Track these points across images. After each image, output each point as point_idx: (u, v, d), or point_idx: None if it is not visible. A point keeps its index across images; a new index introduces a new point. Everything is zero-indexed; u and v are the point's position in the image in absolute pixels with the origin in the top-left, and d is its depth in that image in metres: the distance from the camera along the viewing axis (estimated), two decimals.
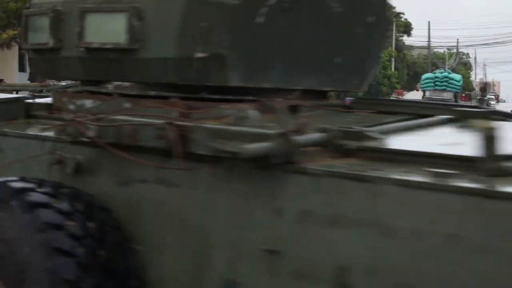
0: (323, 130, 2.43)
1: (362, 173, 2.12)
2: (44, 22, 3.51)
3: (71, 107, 3.52)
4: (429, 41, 77.53)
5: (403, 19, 65.95)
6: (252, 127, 2.54)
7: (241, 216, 2.43)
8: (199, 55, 3.06)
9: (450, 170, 2.01)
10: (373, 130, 2.45)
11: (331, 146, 2.39)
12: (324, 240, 2.17)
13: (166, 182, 2.73)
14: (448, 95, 63.65)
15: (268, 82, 3.23)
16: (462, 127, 2.73)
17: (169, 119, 2.66)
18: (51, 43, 3.52)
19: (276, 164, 2.29)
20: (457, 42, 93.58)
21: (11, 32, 26.31)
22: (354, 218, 2.10)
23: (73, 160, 3.13)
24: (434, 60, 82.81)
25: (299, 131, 2.42)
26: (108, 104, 3.33)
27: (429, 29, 77.14)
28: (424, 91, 65.10)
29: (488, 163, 1.94)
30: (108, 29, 3.28)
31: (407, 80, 69.34)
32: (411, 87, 77.96)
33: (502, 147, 2.01)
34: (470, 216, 1.85)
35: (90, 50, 3.37)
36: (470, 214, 1.85)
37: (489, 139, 1.93)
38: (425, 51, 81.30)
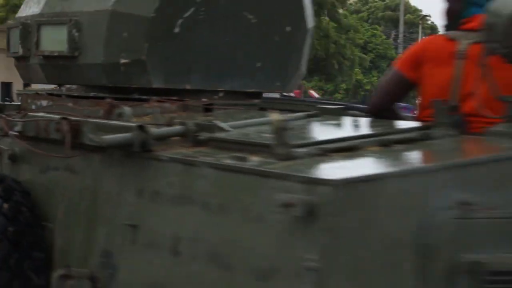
0: (182, 124, 2.90)
1: (190, 158, 2.59)
2: (17, 33, 4.13)
3: (33, 107, 4.16)
4: None
5: (429, 22, 65.91)
6: (121, 121, 3.07)
7: (115, 196, 2.92)
8: (123, 61, 3.66)
9: (253, 155, 2.48)
10: (225, 124, 2.92)
11: (189, 137, 2.86)
12: (166, 216, 2.66)
13: (71, 169, 3.23)
14: None
15: (189, 84, 3.76)
16: (311, 120, 3.19)
17: (65, 115, 3.15)
18: (20, 52, 4.14)
19: (138, 152, 2.77)
20: None
21: None
22: (184, 196, 2.57)
23: (9, 151, 3.67)
24: None
25: (168, 124, 2.92)
26: (57, 104, 3.96)
27: None
28: None
29: (279, 149, 2.39)
30: (55, 39, 3.91)
31: None
32: None
33: (293, 136, 2.50)
34: (259, 194, 2.31)
35: (44, 57, 4.01)
36: (259, 191, 2.32)
37: (280, 129, 2.38)
38: None
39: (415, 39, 62.84)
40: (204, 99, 3.70)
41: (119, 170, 2.90)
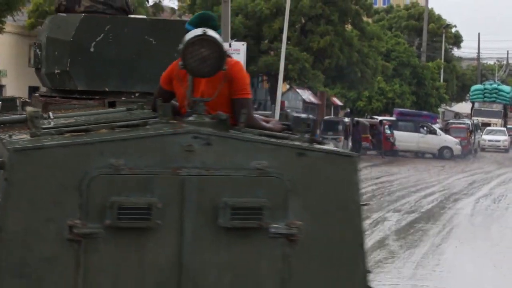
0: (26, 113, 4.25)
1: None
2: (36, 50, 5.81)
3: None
4: (478, 52, 77.24)
5: (453, 31, 65.78)
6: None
7: None
8: (56, 71, 5.41)
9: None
10: (52, 114, 4.63)
11: (28, 123, 4.14)
12: None
13: None
14: (497, 107, 63.47)
15: (107, 87, 5.35)
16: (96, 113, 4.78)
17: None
18: (35, 65, 5.76)
19: None
20: (507, 53, 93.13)
21: None
22: None
23: None
24: (483, 71, 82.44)
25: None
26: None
27: (479, 40, 76.80)
28: (473, 103, 64.92)
29: (32, 130, 3.99)
30: (36, 56, 5.72)
31: (456, 91, 69.21)
32: (460, 98, 77.76)
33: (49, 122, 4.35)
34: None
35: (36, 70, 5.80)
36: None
37: (33, 117, 4.02)
38: (474, 63, 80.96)
39: (439, 48, 62.85)
40: (123, 98, 5.26)
41: None
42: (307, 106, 53.02)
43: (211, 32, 4.11)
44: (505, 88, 66.06)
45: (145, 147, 3.90)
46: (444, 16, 65.71)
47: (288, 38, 35.25)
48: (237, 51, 26.02)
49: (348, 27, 39.94)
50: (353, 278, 4.07)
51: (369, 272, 4.14)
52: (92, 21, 5.30)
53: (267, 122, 4.48)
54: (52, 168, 3.82)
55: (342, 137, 40.56)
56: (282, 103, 36.64)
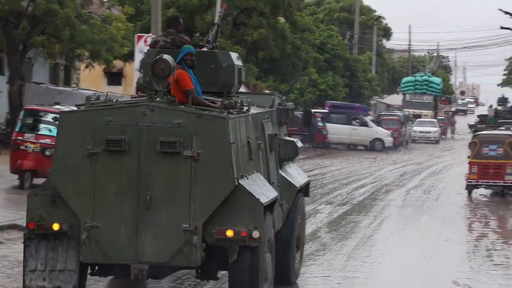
0: None
1: None
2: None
3: None
4: (409, 44, 78.24)
5: (383, 23, 66.44)
6: None
7: None
8: (147, 79, 9.67)
9: None
10: None
11: None
12: None
13: None
14: (428, 98, 64.40)
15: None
16: None
17: None
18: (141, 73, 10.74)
19: None
20: (438, 45, 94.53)
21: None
22: None
23: None
24: (414, 63, 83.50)
25: None
26: None
27: (409, 32, 77.82)
28: (404, 94, 65.73)
29: None
30: (142, 68, 10.64)
31: (387, 83, 69.96)
32: (391, 91, 78.65)
33: None
34: None
35: None
36: None
37: (87, 99, 9.13)
38: (406, 55, 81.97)
39: (369, 40, 63.41)
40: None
41: None
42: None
43: (165, 56, 9.10)
44: (436, 80, 67.05)
45: (123, 111, 8.99)
46: (374, 8, 66.26)
47: (221, 31, 35.10)
48: None
49: (281, 19, 39.95)
50: (226, 179, 8.91)
51: (238, 178, 9.02)
52: (161, 53, 9.51)
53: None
54: (79, 122, 8.98)
55: None
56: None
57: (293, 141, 11.38)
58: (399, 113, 52.45)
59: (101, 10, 28.16)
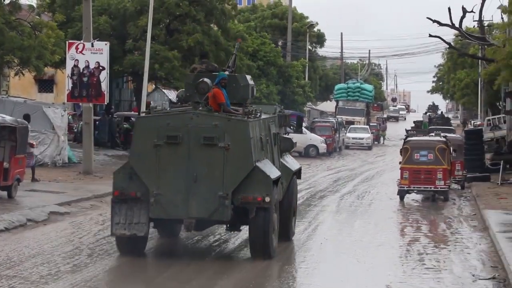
0: None
1: None
2: None
3: None
4: (341, 52, 78.91)
5: (316, 30, 66.91)
6: None
7: None
8: (188, 94, 15.18)
9: None
10: None
11: None
12: None
13: None
14: (360, 105, 65.04)
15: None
16: None
17: None
18: (186, 92, 15.52)
19: None
20: (369, 53, 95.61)
21: None
22: None
23: None
24: (347, 70, 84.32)
25: None
26: None
27: (341, 40, 78.46)
28: (337, 101, 66.28)
29: None
30: (185, 86, 15.79)
31: (319, 90, 70.47)
32: (324, 98, 79.26)
33: None
34: None
35: None
36: None
37: (151, 108, 14.65)
38: (338, 62, 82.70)
39: (302, 47, 63.81)
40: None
41: None
42: (174, 106, 52.73)
43: (205, 79, 14.47)
44: (368, 87, 67.81)
45: (177, 116, 13.94)
46: (306, 15, 66.69)
47: (154, 38, 34.85)
48: (100, 51, 25.44)
49: (214, 27, 39.92)
50: (247, 162, 13.64)
51: (255, 161, 13.73)
52: (199, 76, 14.65)
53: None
54: (148, 124, 13.92)
55: None
56: (148, 103, 36.28)
57: (290, 138, 16.67)
58: (332, 119, 52.86)
59: (30, 16, 27.69)
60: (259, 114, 14.51)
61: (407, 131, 30.07)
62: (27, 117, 22.89)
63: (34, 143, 23.38)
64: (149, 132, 13.67)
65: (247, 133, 13.63)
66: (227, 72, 15.02)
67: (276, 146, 15.57)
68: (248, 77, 15.45)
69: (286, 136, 16.79)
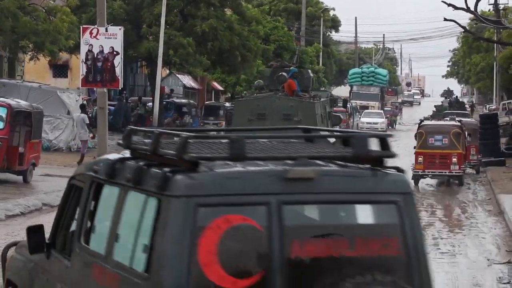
0: None
1: None
2: None
3: None
4: (356, 36, 78.67)
5: (331, 14, 66.64)
6: None
7: None
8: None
9: None
10: None
11: None
12: None
13: None
14: (375, 90, 64.86)
15: None
16: None
17: None
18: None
19: None
20: (383, 37, 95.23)
21: None
22: None
23: None
24: (361, 55, 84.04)
25: None
26: None
27: (356, 24, 78.19)
28: (351, 86, 66.13)
29: None
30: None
31: (334, 75, 70.30)
32: (338, 82, 79.09)
33: None
34: None
35: None
36: None
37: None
38: (352, 46, 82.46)
39: (317, 32, 63.63)
40: None
41: None
42: (188, 91, 52.71)
43: (283, 73, 20.88)
44: (382, 71, 67.59)
45: (263, 99, 20.72)
46: (322, 0, 66.44)
47: (170, 23, 34.84)
48: (114, 36, 25.38)
49: (228, 11, 39.83)
50: None
51: None
52: (274, 71, 21.57)
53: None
54: (244, 104, 20.60)
55: (223, 122, 40.51)
56: (162, 88, 36.26)
57: (339, 115, 24.01)
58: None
59: (44, 1, 27.72)
60: (319, 97, 20.66)
61: (430, 115, 30.12)
62: (83, 107, 24.06)
63: (91, 134, 24.23)
64: (244, 110, 19.68)
65: (314, 111, 19.56)
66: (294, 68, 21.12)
67: (330, 121, 21.65)
68: (309, 71, 22.57)
69: (335, 114, 23.26)
